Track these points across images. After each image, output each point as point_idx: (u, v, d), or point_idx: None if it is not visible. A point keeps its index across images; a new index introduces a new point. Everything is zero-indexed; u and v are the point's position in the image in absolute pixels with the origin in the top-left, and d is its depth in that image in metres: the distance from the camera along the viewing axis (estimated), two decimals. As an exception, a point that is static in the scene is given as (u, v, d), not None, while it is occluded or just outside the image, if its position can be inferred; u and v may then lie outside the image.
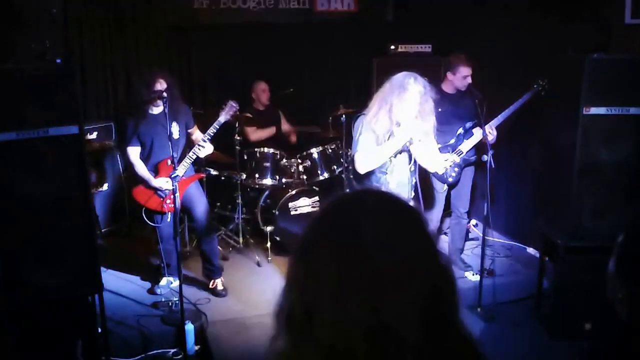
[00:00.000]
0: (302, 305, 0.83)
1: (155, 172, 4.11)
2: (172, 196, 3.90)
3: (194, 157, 4.13)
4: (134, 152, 4.08)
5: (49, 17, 3.24)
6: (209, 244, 4.31)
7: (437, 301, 0.82)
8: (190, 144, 4.26)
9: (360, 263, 0.81)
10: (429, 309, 0.81)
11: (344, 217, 0.87)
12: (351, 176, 4.26)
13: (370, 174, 3.46)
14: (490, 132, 4.12)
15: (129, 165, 4.15)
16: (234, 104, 4.25)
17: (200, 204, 4.24)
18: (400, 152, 3.46)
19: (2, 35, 3.07)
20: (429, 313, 0.80)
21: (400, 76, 3.32)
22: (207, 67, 6.02)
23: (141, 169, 4.08)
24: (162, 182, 4.05)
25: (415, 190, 3.62)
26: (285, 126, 5.68)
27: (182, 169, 4.01)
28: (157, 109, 4.05)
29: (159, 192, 4.10)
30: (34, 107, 2.85)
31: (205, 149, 4.14)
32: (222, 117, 4.20)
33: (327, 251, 0.84)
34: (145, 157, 4.10)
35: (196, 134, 4.31)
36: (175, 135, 4.05)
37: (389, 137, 3.36)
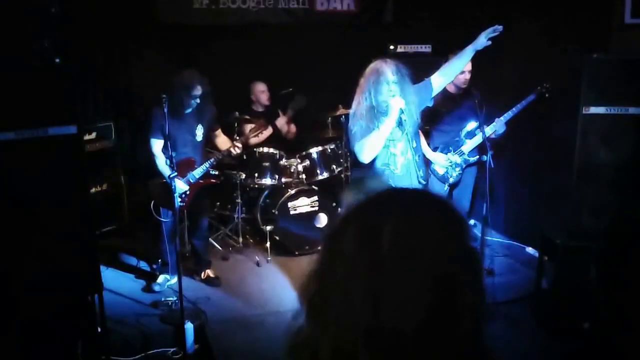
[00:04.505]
0: (320, 291, 0.84)
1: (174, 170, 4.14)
2: (183, 195, 3.97)
3: (215, 163, 4.20)
4: (157, 145, 4.08)
5: (49, 16, 3.23)
6: (202, 239, 4.43)
7: (449, 304, 0.79)
8: (210, 146, 4.33)
9: (371, 258, 0.80)
10: (437, 310, 0.78)
11: (371, 211, 0.86)
12: (350, 173, 4.23)
13: (372, 166, 3.43)
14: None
15: (150, 156, 4.13)
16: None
17: (203, 205, 4.33)
18: (399, 140, 3.42)
19: (2, 35, 3.06)
20: (437, 313, 0.78)
21: (371, 65, 3.39)
22: (206, 67, 6.00)
23: (162, 162, 4.06)
24: (182, 185, 4.03)
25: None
26: (281, 121, 5.49)
27: (199, 171, 4.07)
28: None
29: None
30: (32, 107, 2.85)
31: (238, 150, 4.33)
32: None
33: (346, 243, 0.83)
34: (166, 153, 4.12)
35: (221, 137, 4.40)
36: (199, 137, 4.11)
37: (378, 125, 3.34)
